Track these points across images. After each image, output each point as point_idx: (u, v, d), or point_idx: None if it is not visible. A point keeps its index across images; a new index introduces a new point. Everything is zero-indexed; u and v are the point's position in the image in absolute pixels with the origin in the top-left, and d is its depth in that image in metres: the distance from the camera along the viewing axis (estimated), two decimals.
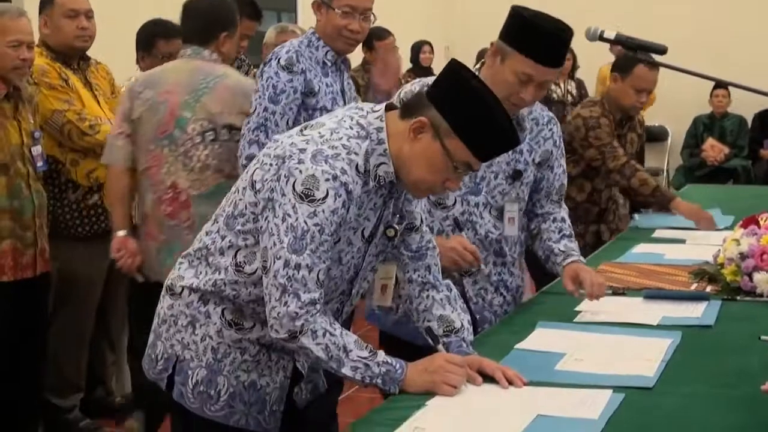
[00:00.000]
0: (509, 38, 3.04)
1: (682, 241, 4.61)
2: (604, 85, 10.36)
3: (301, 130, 2.55)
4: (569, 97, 10.41)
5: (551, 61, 3.03)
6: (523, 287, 3.57)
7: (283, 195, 2.43)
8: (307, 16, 6.32)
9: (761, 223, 3.59)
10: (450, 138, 2.45)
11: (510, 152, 3.11)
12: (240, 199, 2.55)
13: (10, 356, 4.40)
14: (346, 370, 2.45)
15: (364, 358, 2.46)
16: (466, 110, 2.46)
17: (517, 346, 2.93)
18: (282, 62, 3.68)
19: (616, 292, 3.60)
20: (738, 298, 3.48)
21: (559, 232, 3.43)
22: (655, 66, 4.79)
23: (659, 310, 3.32)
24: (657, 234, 4.86)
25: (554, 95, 9.87)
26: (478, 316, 3.33)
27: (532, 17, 3.01)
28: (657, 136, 11.45)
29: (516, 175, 3.33)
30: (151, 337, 2.73)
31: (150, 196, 4.27)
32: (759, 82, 3.52)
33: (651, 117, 9.08)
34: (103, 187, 4.80)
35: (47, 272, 4.49)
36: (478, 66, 3.22)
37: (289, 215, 2.41)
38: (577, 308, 3.34)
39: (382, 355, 2.49)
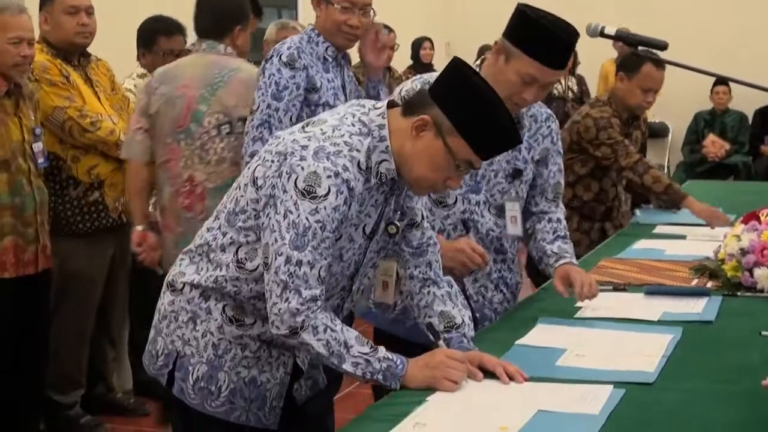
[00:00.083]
0: (514, 38, 3.01)
1: (683, 237, 4.62)
2: (606, 81, 10.38)
3: (303, 127, 2.55)
4: (570, 94, 10.41)
5: (557, 64, 3.02)
6: (522, 284, 3.57)
7: (285, 192, 2.43)
8: (307, 13, 6.31)
9: (762, 218, 3.60)
10: (452, 136, 2.46)
11: (510, 150, 3.10)
12: (241, 196, 2.55)
13: (11, 353, 4.41)
14: (347, 366, 2.45)
15: (365, 353, 2.46)
16: (469, 108, 2.46)
17: (518, 341, 2.93)
18: (283, 59, 3.68)
19: (617, 288, 3.61)
20: (739, 293, 3.48)
21: (554, 233, 3.39)
22: (661, 65, 4.77)
23: (660, 306, 3.32)
24: (658, 230, 4.86)
25: (555, 92, 9.87)
26: (478, 314, 3.32)
27: (539, 18, 2.97)
28: (658, 132, 11.45)
29: (516, 174, 3.33)
30: (152, 332, 2.73)
31: (168, 189, 4.35)
32: (760, 77, 3.52)
33: (652, 113, 9.08)
34: (104, 184, 4.81)
35: (49, 269, 4.49)
36: (478, 62, 3.21)
37: (291, 212, 2.41)
38: (578, 304, 3.33)
39: (382, 350, 2.49)
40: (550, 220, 3.42)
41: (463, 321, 2.75)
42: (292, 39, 3.77)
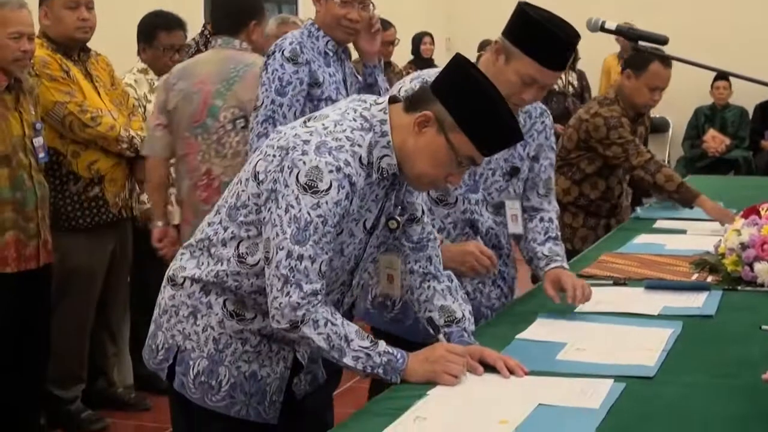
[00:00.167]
0: (515, 38, 2.98)
1: (683, 232, 4.62)
2: (608, 77, 10.36)
3: (305, 122, 2.56)
4: (570, 89, 10.40)
5: (557, 66, 3.01)
6: (516, 278, 3.56)
7: (287, 186, 2.43)
8: (307, 8, 6.31)
9: (762, 213, 3.59)
10: (455, 132, 2.46)
11: (507, 148, 3.09)
12: (243, 191, 2.55)
13: (13, 348, 4.41)
14: (347, 360, 2.46)
15: (366, 347, 2.46)
16: (471, 105, 2.47)
17: (518, 336, 2.94)
18: (286, 54, 3.66)
19: (617, 283, 3.61)
20: (739, 288, 3.48)
21: (545, 234, 3.37)
22: (669, 63, 4.75)
23: (660, 300, 3.33)
24: (658, 224, 4.86)
25: (555, 87, 9.84)
26: (475, 312, 3.32)
27: (541, 19, 2.94)
28: (658, 127, 11.45)
29: (513, 172, 3.32)
30: (152, 327, 2.73)
31: (186, 182, 4.46)
32: (760, 72, 3.52)
33: (652, 108, 9.08)
34: (104, 179, 4.81)
35: (50, 264, 4.49)
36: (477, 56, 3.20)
37: (293, 206, 2.41)
38: None
39: (383, 345, 2.49)
40: (542, 219, 3.39)
41: (463, 315, 2.75)
42: (293, 34, 3.77)
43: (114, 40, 5.51)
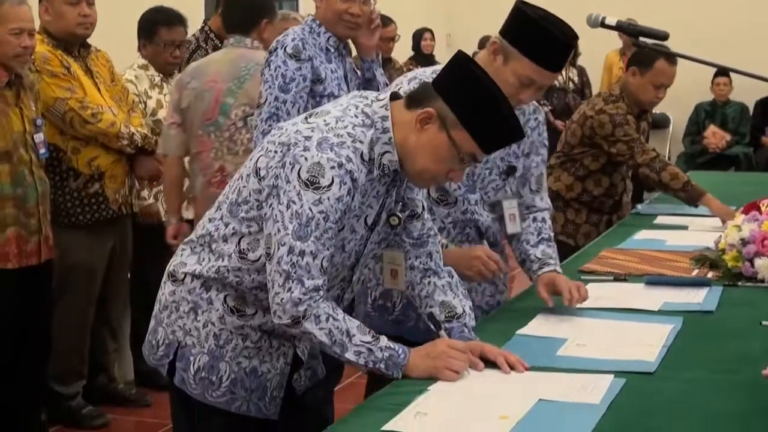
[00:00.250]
0: (514, 39, 2.96)
1: (684, 228, 4.62)
2: (610, 73, 10.36)
3: (306, 118, 2.56)
4: (570, 85, 10.40)
5: (556, 67, 3.00)
6: (507, 273, 3.54)
7: (288, 182, 2.43)
8: (308, 3, 6.31)
9: (762, 209, 3.60)
10: (456, 129, 2.47)
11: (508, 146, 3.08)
12: (244, 186, 2.55)
13: (14, 344, 4.41)
14: (349, 355, 2.46)
15: (368, 342, 2.46)
16: (473, 102, 2.47)
17: (519, 331, 2.94)
18: (289, 50, 3.65)
19: (618, 278, 3.61)
20: (739, 283, 3.49)
21: (538, 235, 3.34)
22: (674, 60, 4.73)
23: (661, 296, 3.33)
24: (658, 220, 4.86)
25: (555, 83, 9.85)
26: None
27: (539, 19, 2.92)
28: (659, 123, 11.44)
29: (510, 171, 3.31)
30: (152, 323, 2.73)
31: (200, 179, 4.53)
32: (761, 68, 3.52)
33: (656, 105, 9.10)
34: (104, 176, 4.81)
35: (51, 260, 4.49)
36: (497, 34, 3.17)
37: (294, 202, 2.42)
38: None
39: (384, 340, 2.49)
40: (535, 219, 3.37)
41: (463, 311, 2.75)
42: (295, 30, 3.75)
43: (114, 36, 5.51)
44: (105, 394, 5.19)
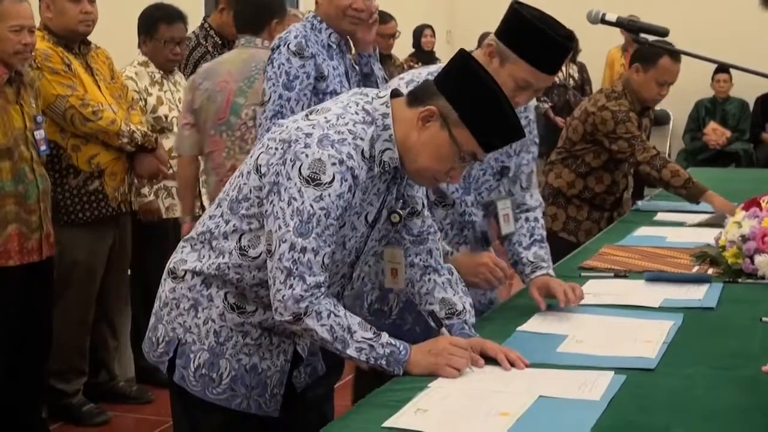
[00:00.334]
0: (511, 42, 2.95)
1: (684, 224, 4.62)
2: (612, 69, 10.35)
3: (307, 115, 2.56)
4: (571, 81, 10.40)
5: (553, 70, 3.00)
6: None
7: (289, 179, 2.43)
8: (309, 1, 6.31)
9: (762, 205, 3.60)
10: (458, 128, 2.47)
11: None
12: (244, 184, 2.55)
13: (16, 341, 4.41)
14: (351, 351, 2.46)
15: (369, 339, 2.47)
16: (475, 101, 2.48)
17: (519, 328, 2.94)
18: (292, 48, 3.62)
19: (618, 275, 3.62)
20: (739, 280, 3.49)
21: (530, 237, 3.33)
22: (678, 57, 4.72)
23: (661, 293, 3.33)
24: (659, 217, 4.86)
25: (556, 79, 9.85)
26: None
27: (536, 22, 2.91)
28: (659, 119, 11.44)
29: (503, 172, 3.31)
30: (152, 320, 2.73)
31: (213, 178, 4.61)
32: (761, 65, 3.52)
33: (659, 102, 9.11)
34: (104, 173, 4.81)
35: (52, 256, 4.50)
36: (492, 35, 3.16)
37: (295, 199, 2.42)
38: None
39: (386, 336, 2.49)
40: (527, 219, 3.37)
41: (464, 308, 2.76)
42: (297, 27, 3.73)
43: (114, 32, 5.51)
44: (106, 391, 5.20)
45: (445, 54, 10.20)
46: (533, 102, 3.28)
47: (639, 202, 5.34)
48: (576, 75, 10.41)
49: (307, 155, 2.42)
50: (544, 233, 3.38)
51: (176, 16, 5.41)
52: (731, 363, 2.62)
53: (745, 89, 10.73)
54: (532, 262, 3.26)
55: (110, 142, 4.78)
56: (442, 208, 3.25)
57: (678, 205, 4.94)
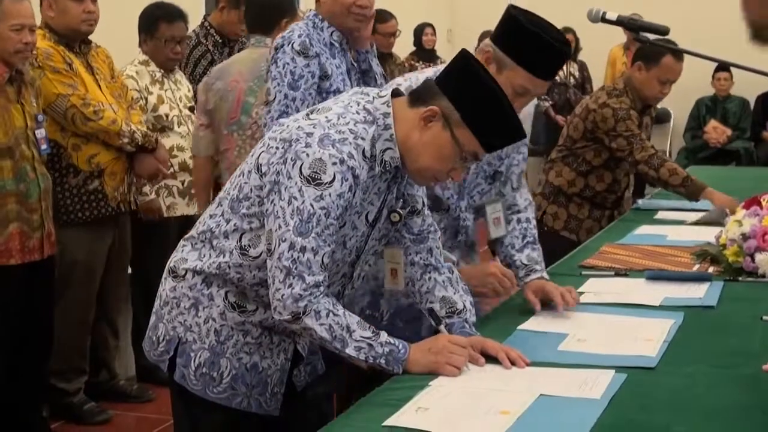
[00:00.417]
0: (508, 49, 2.94)
1: (685, 223, 4.61)
2: (614, 67, 10.35)
3: (308, 114, 2.56)
4: (571, 80, 10.41)
5: (551, 76, 3.00)
6: None
7: (290, 178, 2.43)
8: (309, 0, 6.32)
9: (763, 204, 3.60)
10: (460, 128, 2.48)
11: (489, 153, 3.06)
12: (245, 183, 2.56)
13: (18, 339, 4.41)
14: (350, 350, 2.46)
15: (368, 338, 2.47)
16: (477, 102, 2.48)
17: (520, 327, 2.94)
18: (296, 47, 3.58)
19: (619, 273, 3.62)
20: (740, 278, 3.49)
21: (523, 239, 3.33)
22: (680, 56, 4.71)
23: (661, 291, 3.33)
24: (659, 215, 4.86)
25: (556, 78, 9.85)
26: None
27: (533, 27, 2.89)
28: (660, 118, 11.44)
29: (496, 176, 3.32)
30: (153, 318, 2.73)
31: (227, 176, 4.60)
32: (762, 63, 3.52)
33: (661, 101, 9.11)
34: (104, 173, 4.81)
35: (53, 255, 4.50)
36: (487, 40, 3.16)
37: (296, 198, 2.42)
38: (580, 289, 3.34)
39: (384, 335, 2.50)
40: (519, 221, 3.36)
41: (464, 306, 2.76)
42: (299, 26, 3.70)
43: (115, 31, 5.51)
44: (107, 390, 5.20)
45: (445, 52, 10.21)
46: (533, 101, 3.28)
47: (639, 201, 5.33)
48: (576, 73, 10.42)
49: (307, 154, 2.42)
50: (536, 233, 3.38)
51: (177, 15, 5.41)
52: (732, 361, 2.62)
53: (746, 87, 10.72)
54: (525, 265, 3.26)
55: (111, 142, 4.78)
56: (437, 213, 3.24)
57: (679, 203, 4.94)
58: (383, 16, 8.12)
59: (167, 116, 5.31)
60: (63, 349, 4.77)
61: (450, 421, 2.21)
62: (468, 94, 2.48)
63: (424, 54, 9.98)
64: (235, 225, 2.56)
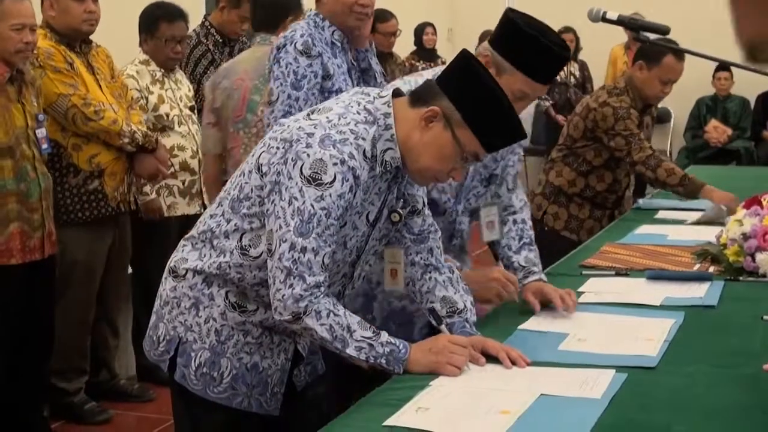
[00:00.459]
0: (507, 53, 2.93)
1: (685, 223, 4.61)
2: (615, 67, 10.34)
3: (308, 115, 2.56)
4: (572, 79, 10.40)
5: (550, 80, 3.00)
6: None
7: (290, 178, 2.43)
8: None
9: (764, 203, 3.60)
10: (461, 128, 2.48)
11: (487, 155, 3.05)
12: (246, 183, 2.56)
13: (18, 339, 4.42)
14: (350, 350, 2.46)
15: (369, 338, 2.47)
16: (478, 102, 2.48)
17: (520, 326, 2.94)
18: (299, 47, 3.57)
19: (619, 273, 3.61)
20: (741, 278, 3.49)
21: (520, 240, 3.32)
22: (682, 56, 4.71)
23: (662, 291, 3.33)
24: (660, 215, 4.85)
25: (557, 77, 9.84)
26: None
27: (530, 31, 2.89)
28: (660, 117, 11.42)
29: (492, 179, 3.32)
30: (153, 318, 2.73)
31: (232, 174, 4.64)
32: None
33: (661, 101, 9.11)
34: (104, 173, 4.81)
35: (54, 255, 4.50)
36: (485, 43, 3.17)
37: (296, 198, 2.42)
38: (580, 289, 3.34)
39: (385, 335, 2.50)
40: (515, 222, 3.36)
41: (465, 306, 2.76)
42: (301, 26, 3.68)
43: (115, 31, 5.51)
44: (107, 389, 5.20)
45: (446, 52, 10.21)
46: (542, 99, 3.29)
47: (640, 200, 5.33)
48: (577, 73, 10.41)
49: (308, 155, 2.42)
50: (533, 234, 3.38)
51: (177, 15, 5.41)
52: (732, 361, 2.62)
53: (746, 87, 10.72)
54: (523, 267, 3.26)
55: (111, 142, 4.78)
56: (435, 217, 3.24)
57: (679, 203, 4.93)
58: (384, 15, 8.12)
59: (168, 116, 5.32)
60: (63, 349, 4.77)
61: (450, 421, 2.21)
62: (469, 94, 2.48)
63: (424, 53, 9.98)
64: (235, 225, 2.56)
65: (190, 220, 4.96)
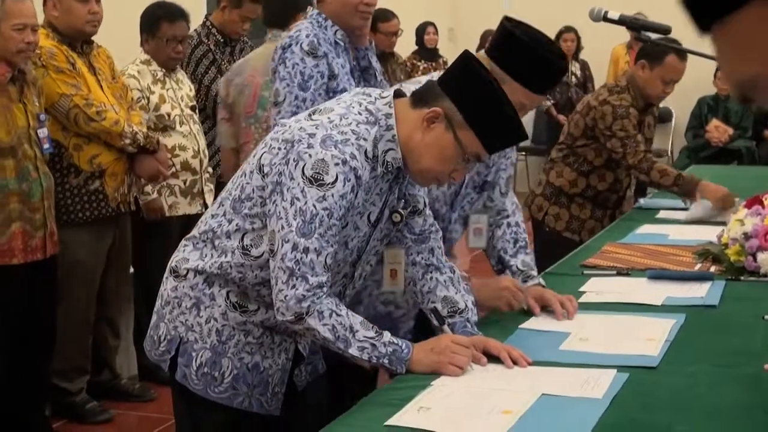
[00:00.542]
0: (505, 65, 2.92)
1: (686, 222, 4.61)
2: (616, 66, 10.34)
3: (310, 115, 2.56)
4: (573, 79, 10.40)
5: (548, 90, 3.01)
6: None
7: (292, 179, 2.43)
8: None
9: (765, 203, 3.60)
10: (463, 129, 2.48)
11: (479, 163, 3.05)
12: (247, 183, 2.56)
13: (20, 338, 4.42)
14: (353, 351, 2.46)
15: (371, 338, 2.47)
16: (480, 103, 2.49)
17: (522, 326, 2.95)
18: (305, 47, 3.53)
19: (621, 273, 3.61)
20: (742, 278, 3.48)
21: (515, 243, 3.32)
22: (684, 56, 4.70)
23: (663, 291, 3.33)
24: (661, 214, 4.85)
25: None
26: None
27: (528, 41, 2.88)
28: (661, 117, 11.38)
29: (485, 186, 3.31)
30: (154, 318, 2.74)
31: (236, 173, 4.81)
32: None
33: (663, 100, 9.10)
34: (105, 173, 4.80)
35: (56, 254, 4.50)
36: (483, 52, 3.17)
37: (298, 199, 2.42)
38: (581, 288, 3.34)
39: (388, 335, 2.50)
40: (509, 225, 3.36)
41: (466, 306, 2.76)
42: (305, 26, 3.64)
43: (117, 31, 5.51)
44: (108, 389, 5.20)
45: (447, 51, 10.20)
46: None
47: (641, 200, 5.33)
48: (578, 72, 10.41)
49: (310, 155, 2.42)
50: (527, 237, 3.37)
51: (178, 15, 5.41)
52: (734, 361, 2.62)
53: None
54: (522, 271, 3.26)
55: (113, 143, 4.78)
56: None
57: (680, 203, 4.93)
58: (385, 15, 8.12)
59: (169, 115, 5.31)
60: (65, 349, 4.77)
61: (452, 421, 2.21)
62: (471, 95, 2.49)
63: (426, 53, 9.98)
64: (237, 225, 2.56)
65: (191, 220, 4.96)
